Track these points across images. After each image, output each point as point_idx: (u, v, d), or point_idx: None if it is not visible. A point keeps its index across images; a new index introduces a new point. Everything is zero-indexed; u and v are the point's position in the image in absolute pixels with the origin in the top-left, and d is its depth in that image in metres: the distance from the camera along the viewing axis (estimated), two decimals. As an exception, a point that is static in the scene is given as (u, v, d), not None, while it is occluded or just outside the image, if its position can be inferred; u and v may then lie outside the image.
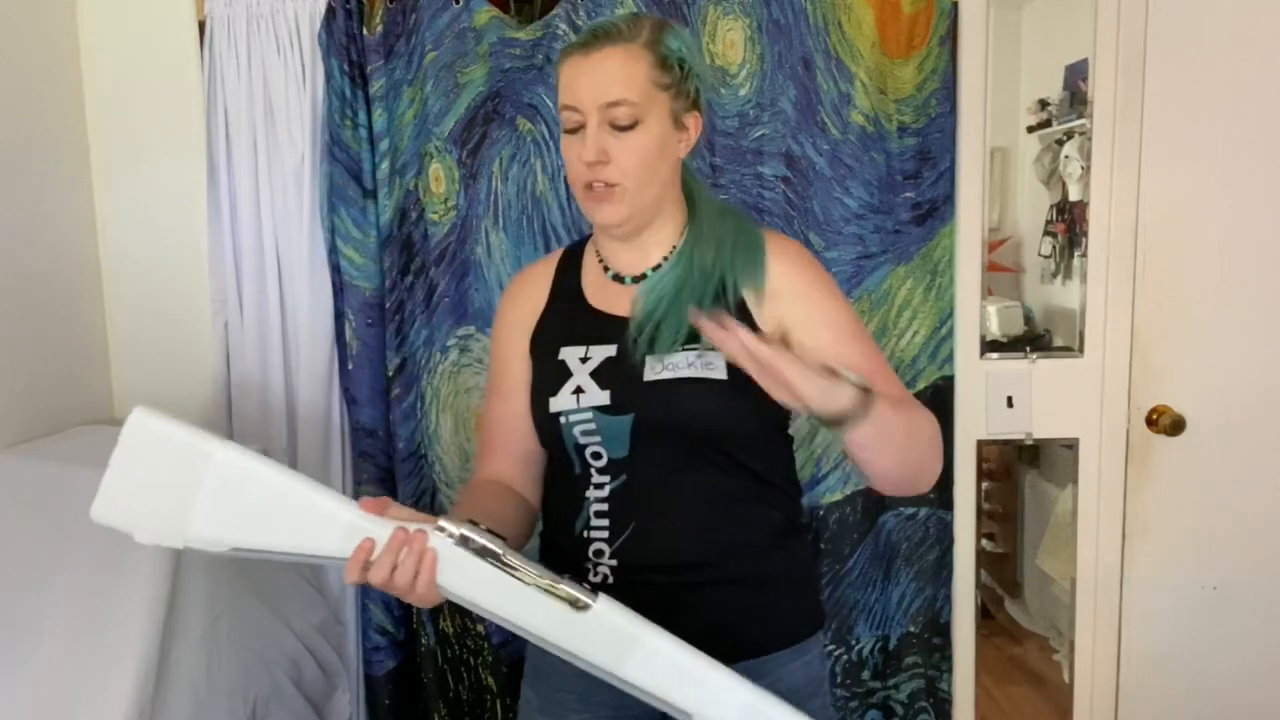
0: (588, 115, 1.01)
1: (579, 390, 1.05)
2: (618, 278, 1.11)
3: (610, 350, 1.06)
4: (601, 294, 1.12)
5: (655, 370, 1.03)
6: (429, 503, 1.83)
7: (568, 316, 1.12)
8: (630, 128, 1.01)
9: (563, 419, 1.05)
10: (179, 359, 1.85)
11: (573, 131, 1.04)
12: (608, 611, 0.85)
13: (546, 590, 0.84)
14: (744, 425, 1.05)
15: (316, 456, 1.81)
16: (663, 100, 1.03)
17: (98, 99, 1.81)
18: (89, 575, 1.34)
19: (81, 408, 1.78)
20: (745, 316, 1.05)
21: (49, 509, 1.41)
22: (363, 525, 0.85)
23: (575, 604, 0.84)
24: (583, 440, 1.05)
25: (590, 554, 1.05)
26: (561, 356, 1.08)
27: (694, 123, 1.08)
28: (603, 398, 1.04)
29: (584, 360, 1.07)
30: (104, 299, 1.85)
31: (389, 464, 1.84)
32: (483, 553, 0.84)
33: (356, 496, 1.80)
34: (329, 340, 1.80)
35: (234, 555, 0.86)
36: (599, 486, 1.05)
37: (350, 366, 1.80)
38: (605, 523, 1.04)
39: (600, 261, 1.13)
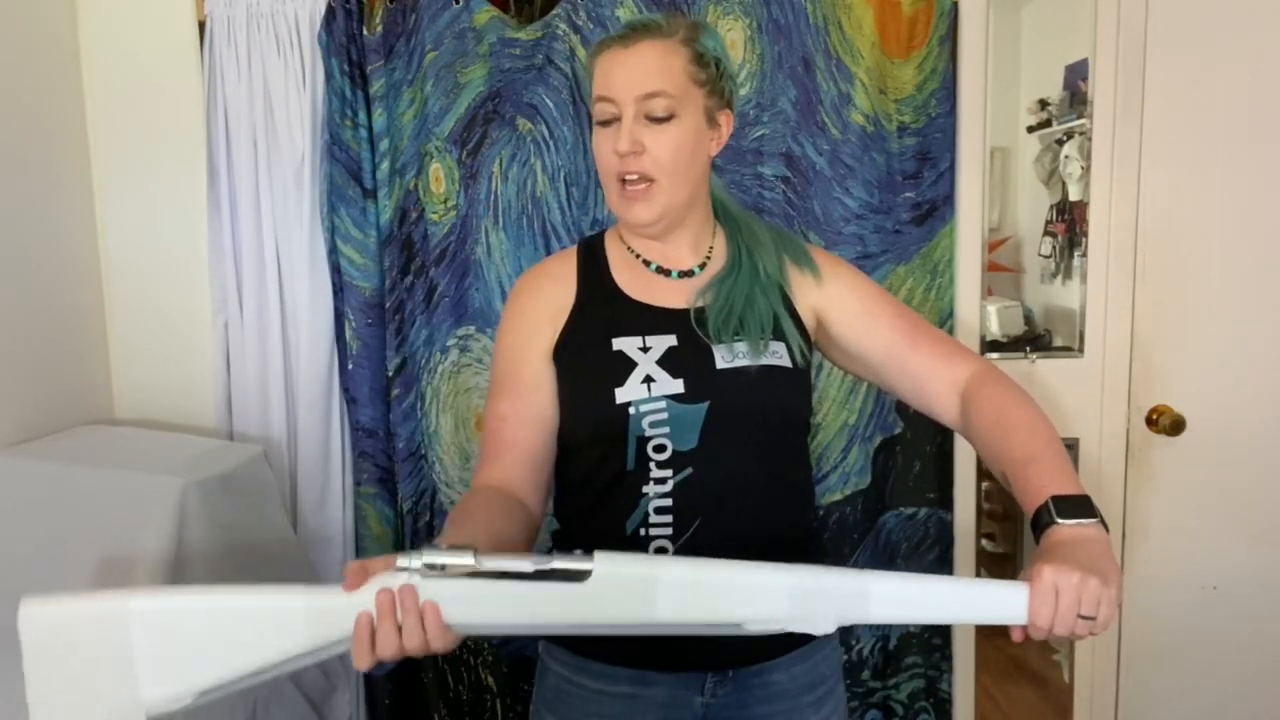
0: (623, 107, 1.01)
1: (649, 379, 1.01)
2: (662, 271, 1.11)
3: (671, 340, 1.04)
4: (644, 288, 1.10)
5: (727, 358, 1.04)
6: (429, 502, 1.83)
7: (609, 309, 1.08)
8: (666, 120, 1.02)
9: (632, 409, 1.01)
10: (179, 359, 1.85)
11: (606, 124, 1.04)
12: (609, 566, 0.77)
13: (543, 576, 0.76)
14: (804, 413, 1.09)
15: (316, 456, 1.81)
16: (698, 96, 1.05)
17: (98, 99, 1.81)
18: (89, 575, 1.34)
19: (81, 408, 1.78)
20: (790, 308, 1.11)
21: (49, 509, 1.41)
22: (324, 603, 0.75)
23: (576, 576, 0.76)
24: (650, 432, 1.01)
25: (650, 552, 1.01)
26: (618, 347, 1.04)
27: (726, 121, 1.10)
28: (676, 386, 1.02)
29: (644, 350, 1.04)
30: (104, 299, 1.85)
31: (389, 464, 1.84)
32: (457, 571, 0.75)
33: (357, 496, 1.83)
34: (329, 340, 1.80)
35: (206, 701, 0.76)
36: (660, 481, 1.01)
37: (350, 366, 1.80)
38: (668, 519, 1.01)
39: (636, 256, 1.12)
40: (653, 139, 1.02)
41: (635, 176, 1.03)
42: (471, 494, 1.03)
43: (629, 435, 1.01)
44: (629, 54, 1.02)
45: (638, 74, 1.01)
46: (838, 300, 1.13)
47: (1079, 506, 0.86)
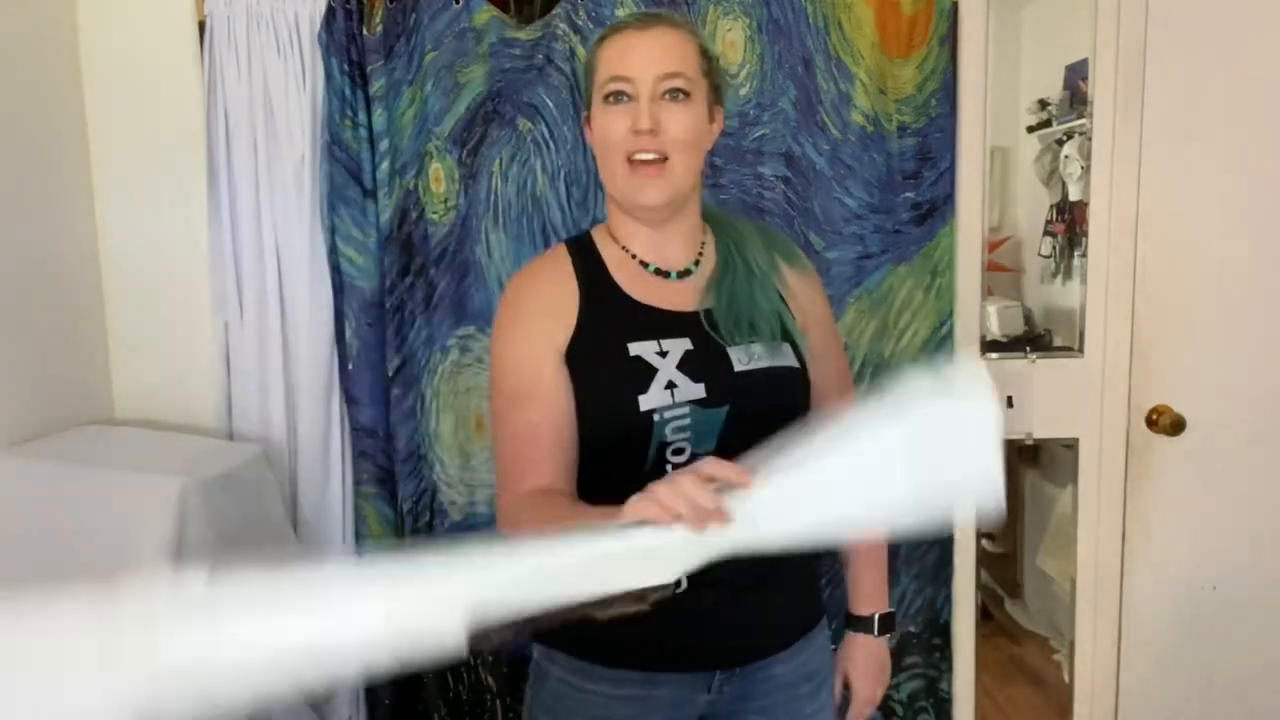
0: (641, 86, 1.02)
1: (671, 385, 1.00)
2: (660, 272, 1.10)
3: (686, 343, 1.04)
4: (648, 290, 1.08)
5: (744, 361, 1.04)
6: (429, 502, 1.83)
7: (618, 313, 1.06)
8: (682, 99, 1.03)
9: (656, 416, 0.99)
10: (179, 359, 1.85)
11: (615, 102, 1.04)
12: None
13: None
14: (808, 412, 1.10)
15: (316, 456, 1.81)
16: (704, 85, 1.07)
17: (98, 99, 1.81)
18: (89, 575, 1.34)
19: (81, 408, 1.78)
20: (788, 307, 1.12)
21: (49, 509, 1.41)
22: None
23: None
24: (672, 437, 0.99)
25: None
26: (635, 352, 1.02)
27: (719, 117, 1.11)
28: (697, 391, 1.01)
29: (661, 354, 1.02)
30: (104, 299, 1.85)
31: (389, 464, 1.84)
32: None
33: (357, 496, 1.83)
34: (329, 340, 1.80)
35: None
36: None
37: (350, 366, 1.80)
38: None
39: (632, 256, 1.11)
40: (670, 118, 1.02)
41: (651, 155, 1.02)
42: (535, 494, 0.99)
43: (652, 441, 1.00)
44: (647, 36, 1.04)
45: (659, 54, 1.03)
46: (814, 324, 1.15)
47: (890, 623, 1.22)
